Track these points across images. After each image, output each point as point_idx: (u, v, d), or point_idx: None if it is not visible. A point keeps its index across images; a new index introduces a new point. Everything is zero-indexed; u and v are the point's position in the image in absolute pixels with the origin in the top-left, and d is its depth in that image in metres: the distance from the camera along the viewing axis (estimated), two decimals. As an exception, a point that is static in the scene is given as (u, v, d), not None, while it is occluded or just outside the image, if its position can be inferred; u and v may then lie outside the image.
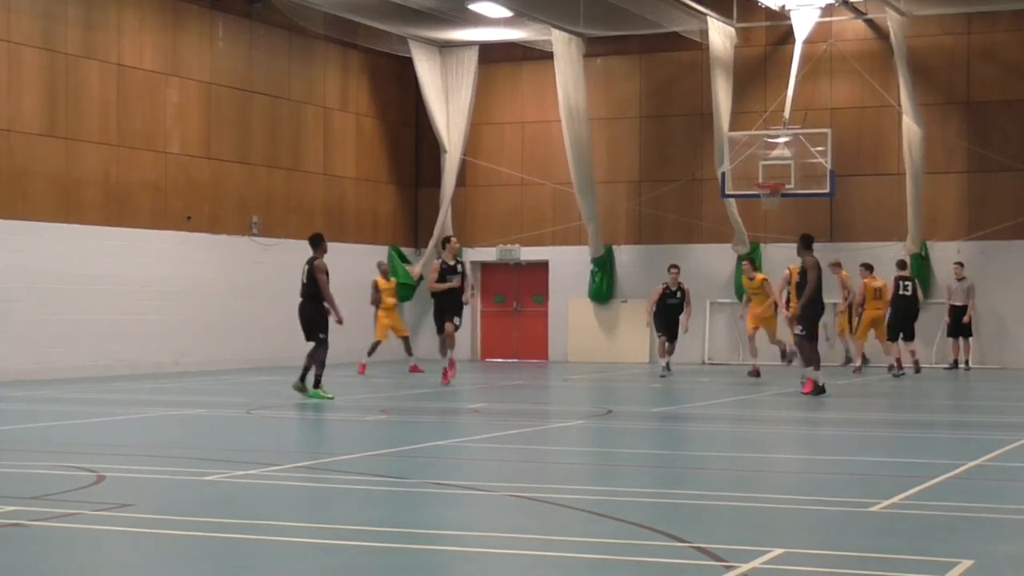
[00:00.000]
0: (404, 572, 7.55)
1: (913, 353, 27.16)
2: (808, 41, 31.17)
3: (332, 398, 19.54)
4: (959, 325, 28.68)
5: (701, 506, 9.90)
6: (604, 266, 33.51)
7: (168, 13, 28.45)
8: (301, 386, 19.69)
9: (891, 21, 30.40)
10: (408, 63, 33.67)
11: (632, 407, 19.97)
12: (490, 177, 34.82)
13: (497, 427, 16.68)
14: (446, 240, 23.84)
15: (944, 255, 30.85)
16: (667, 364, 26.49)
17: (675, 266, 27.16)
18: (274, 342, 28.41)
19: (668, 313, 26.86)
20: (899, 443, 15.42)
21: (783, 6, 30.57)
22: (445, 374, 23.09)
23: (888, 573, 7.32)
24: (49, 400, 20.44)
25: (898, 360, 26.18)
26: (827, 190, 30.13)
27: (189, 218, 27.94)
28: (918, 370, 26.84)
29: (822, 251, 31.44)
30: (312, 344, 20.04)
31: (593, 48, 32.94)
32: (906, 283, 26.26)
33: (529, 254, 34.42)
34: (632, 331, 33.30)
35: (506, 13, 30.05)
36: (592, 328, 33.81)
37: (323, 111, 32.89)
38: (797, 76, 31.07)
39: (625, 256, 33.62)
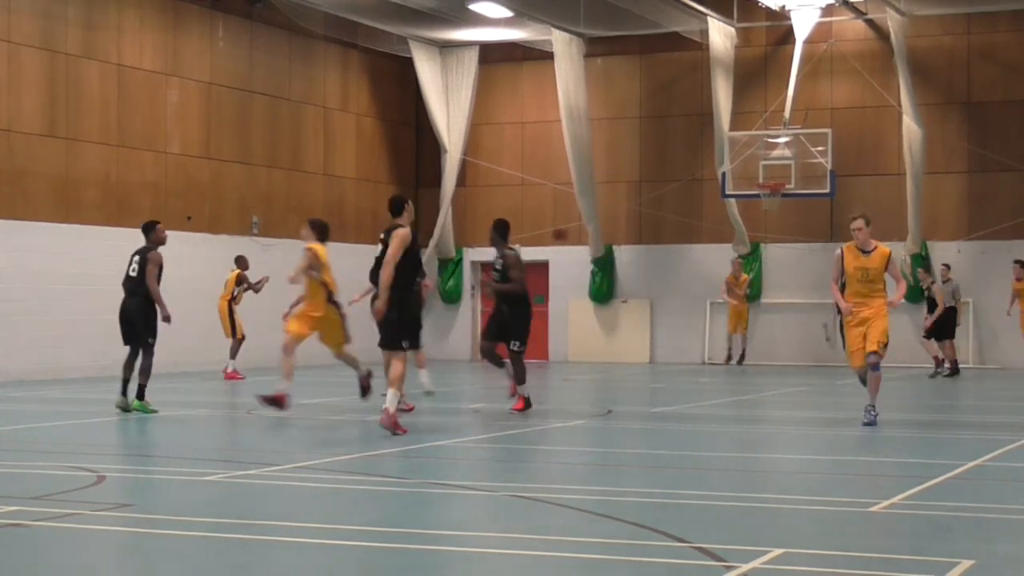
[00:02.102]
0: (404, 572, 7.54)
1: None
2: (808, 41, 31.19)
3: (157, 412, 17.39)
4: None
5: (701, 506, 9.89)
6: (604, 266, 33.50)
7: (168, 13, 28.46)
8: (124, 402, 17.39)
9: (891, 21, 30.38)
10: (408, 63, 33.68)
11: (632, 407, 19.96)
12: (490, 177, 34.82)
13: (497, 427, 16.67)
14: (400, 202, 15.63)
15: (944, 255, 30.80)
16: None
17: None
18: (275, 342, 28.36)
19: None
20: (899, 443, 15.40)
21: (783, 6, 30.58)
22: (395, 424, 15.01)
23: (888, 573, 7.30)
24: (49, 400, 20.45)
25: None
26: (827, 190, 30.18)
27: (189, 218, 27.92)
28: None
29: (822, 251, 31.60)
30: (129, 349, 17.81)
31: (593, 48, 32.93)
32: None
33: (529, 254, 34.26)
34: (632, 331, 33.33)
35: (506, 13, 30.04)
36: (592, 328, 33.81)
37: (323, 111, 32.90)
38: (797, 76, 31.09)
39: (625, 256, 33.60)
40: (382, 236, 15.19)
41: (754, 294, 32.45)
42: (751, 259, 32.45)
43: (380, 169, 34.74)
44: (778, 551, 7.80)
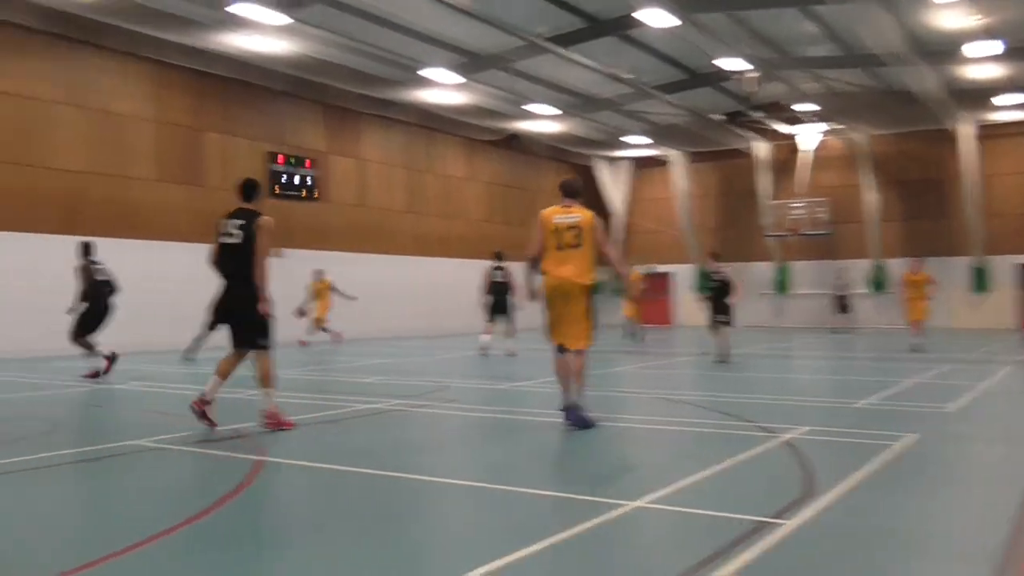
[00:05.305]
0: (599, 442, 7.47)
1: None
2: (813, 150, 30.38)
3: None
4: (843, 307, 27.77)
5: (760, 402, 9.60)
6: (702, 274, 33.01)
7: (469, 147, 28.98)
8: None
9: (859, 137, 29.41)
10: (591, 170, 33.71)
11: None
12: (640, 228, 34.59)
13: (649, 359, 16.44)
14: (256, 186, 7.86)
15: (896, 266, 29.61)
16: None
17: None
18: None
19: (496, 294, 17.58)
20: (872, 368, 14.70)
21: (796, 132, 29.86)
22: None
23: (868, 440, 6.98)
24: (397, 350, 20.87)
25: None
26: (827, 232, 29.45)
27: (498, 252, 28.38)
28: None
29: (823, 265, 30.35)
30: None
31: (692, 158, 32.49)
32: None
33: (662, 268, 34.08)
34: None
35: (647, 141, 29.92)
36: (693, 307, 33.25)
37: (548, 197, 32.84)
38: (806, 169, 30.26)
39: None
40: (240, 223, 7.59)
41: (783, 289, 31.60)
42: (783, 270, 31.59)
43: (579, 226, 34.84)
44: (805, 428, 7.52)
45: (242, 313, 7.62)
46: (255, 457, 6.44)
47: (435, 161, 27.66)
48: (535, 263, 8.00)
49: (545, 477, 5.90)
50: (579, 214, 7.91)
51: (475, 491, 5.46)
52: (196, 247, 20.21)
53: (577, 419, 7.67)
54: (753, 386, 11.62)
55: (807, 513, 4.74)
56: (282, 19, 17.33)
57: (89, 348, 12.52)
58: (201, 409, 7.57)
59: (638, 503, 4.96)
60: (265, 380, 7.73)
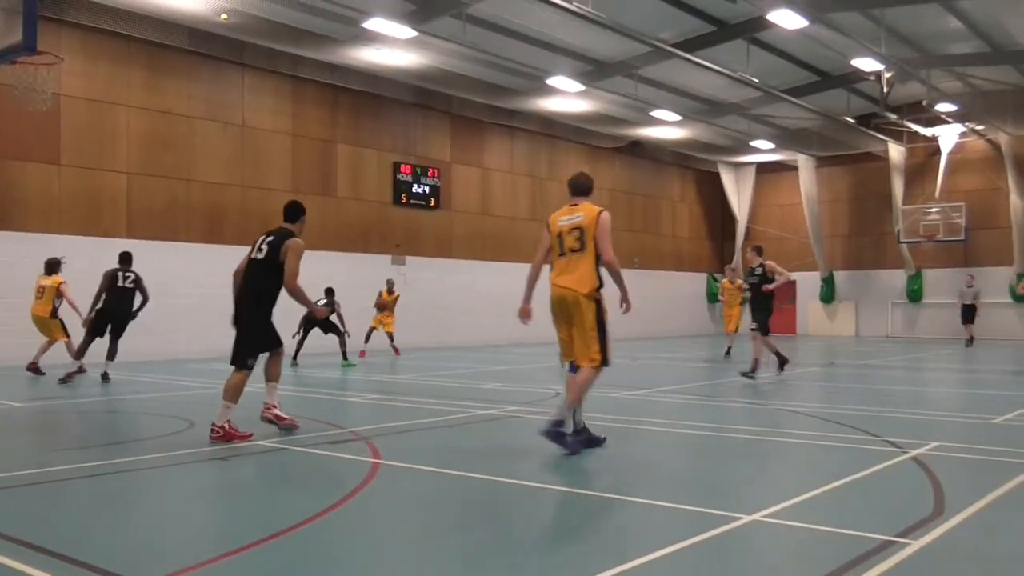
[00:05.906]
0: (713, 453, 7.29)
1: None
2: (950, 152, 28.91)
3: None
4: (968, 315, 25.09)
5: (887, 416, 9.16)
6: (829, 282, 31.78)
7: (591, 154, 28.89)
8: None
9: (1002, 138, 27.75)
10: (717, 175, 33.05)
11: (846, 359, 18.71)
12: (763, 235, 33.63)
13: (765, 370, 15.96)
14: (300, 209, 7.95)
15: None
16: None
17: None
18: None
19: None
20: (1008, 382, 13.82)
21: (934, 134, 28.46)
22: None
23: (1001, 459, 6.56)
24: (516, 356, 20.80)
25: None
26: (963, 238, 27.89)
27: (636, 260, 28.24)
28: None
29: (958, 273, 28.82)
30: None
31: (821, 162, 31.34)
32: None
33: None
34: (844, 317, 31.47)
35: (771, 146, 29.15)
36: (820, 316, 32.16)
37: (671, 203, 32.59)
38: (943, 172, 28.85)
39: (840, 276, 31.74)
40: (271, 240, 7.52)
41: (916, 298, 30.15)
42: (916, 277, 30.13)
43: (702, 231, 34.12)
44: (934, 443, 7.13)
45: (243, 327, 7.32)
46: (371, 460, 6.59)
47: (557, 168, 27.71)
48: (536, 275, 6.90)
49: (657, 487, 5.80)
50: (583, 212, 6.67)
51: (586, 499, 5.42)
52: (326, 255, 20.87)
53: (556, 436, 6.58)
54: (879, 399, 11.11)
55: (935, 533, 4.49)
56: (410, 32, 17.73)
57: (73, 349, 12.45)
58: (284, 422, 7.56)
59: (754, 517, 4.82)
60: (230, 392, 7.26)
